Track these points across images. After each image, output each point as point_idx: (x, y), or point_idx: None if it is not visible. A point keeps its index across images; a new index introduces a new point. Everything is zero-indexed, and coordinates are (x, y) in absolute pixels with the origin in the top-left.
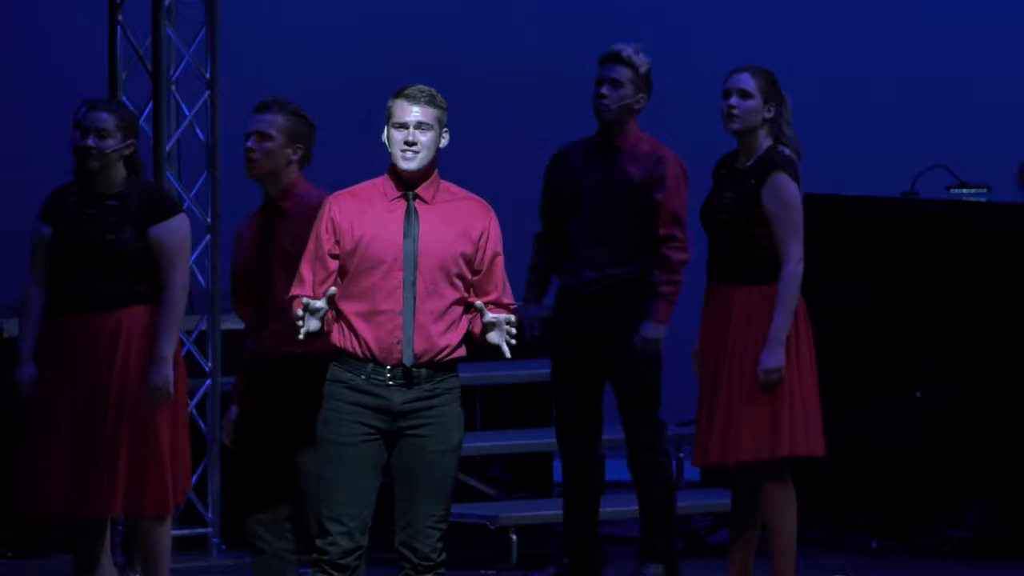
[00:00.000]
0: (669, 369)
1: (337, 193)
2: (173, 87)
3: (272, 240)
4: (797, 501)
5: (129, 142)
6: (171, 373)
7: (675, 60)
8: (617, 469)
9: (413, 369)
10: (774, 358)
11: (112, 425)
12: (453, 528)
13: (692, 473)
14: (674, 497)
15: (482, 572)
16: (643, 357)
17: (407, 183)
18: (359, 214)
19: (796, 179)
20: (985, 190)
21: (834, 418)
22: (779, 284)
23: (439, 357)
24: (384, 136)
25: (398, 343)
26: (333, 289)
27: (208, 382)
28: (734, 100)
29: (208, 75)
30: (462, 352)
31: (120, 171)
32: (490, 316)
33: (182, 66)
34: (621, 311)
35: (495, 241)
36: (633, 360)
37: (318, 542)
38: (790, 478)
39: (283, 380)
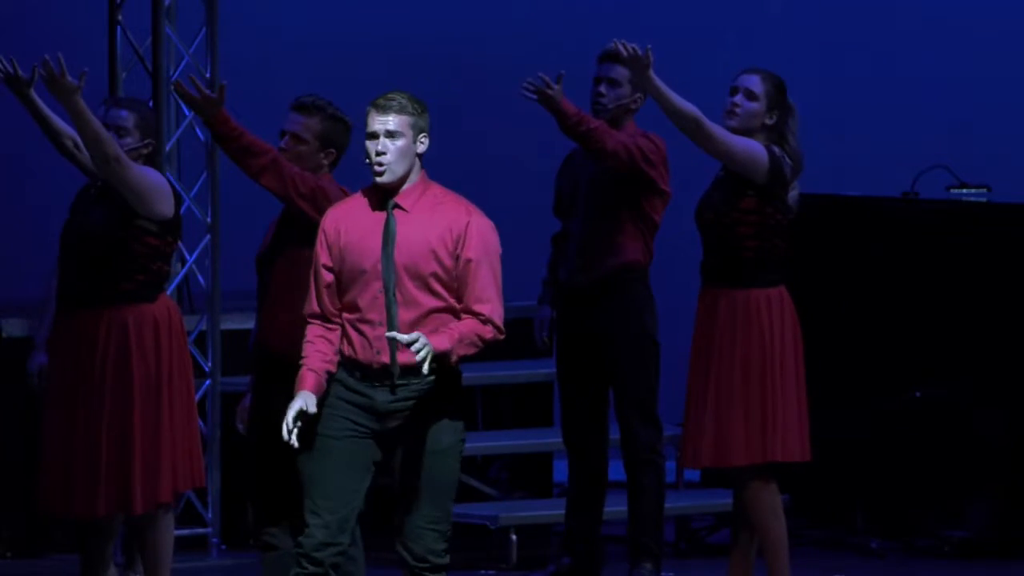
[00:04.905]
0: (668, 370)
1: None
2: (173, 87)
3: (285, 234)
4: (797, 501)
5: (147, 141)
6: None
7: (675, 60)
8: (617, 469)
9: (398, 380)
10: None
11: (93, 424)
12: (453, 528)
13: (692, 473)
14: (664, 497)
15: (482, 572)
16: (639, 355)
17: (386, 193)
18: (344, 225)
19: (777, 173)
20: (985, 190)
21: (834, 418)
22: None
23: (414, 365)
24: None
25: (378, 353)
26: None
27: (208, 382)
28: (738, 98)
29: (208, 75)
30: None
31: None
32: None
33: (182, 66)
34: (616, 306)
35: (473, 247)
36: (629, 358)
37: (299, 537)
38: (773, 479)
39: (290, 381)
